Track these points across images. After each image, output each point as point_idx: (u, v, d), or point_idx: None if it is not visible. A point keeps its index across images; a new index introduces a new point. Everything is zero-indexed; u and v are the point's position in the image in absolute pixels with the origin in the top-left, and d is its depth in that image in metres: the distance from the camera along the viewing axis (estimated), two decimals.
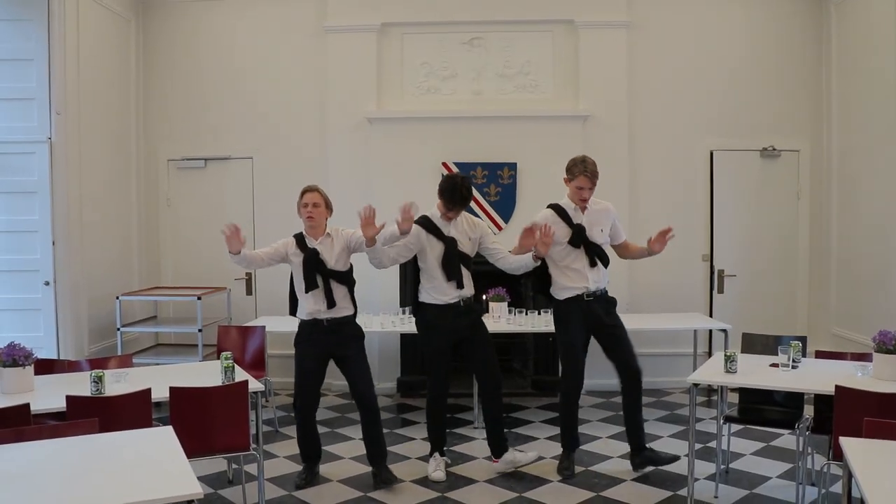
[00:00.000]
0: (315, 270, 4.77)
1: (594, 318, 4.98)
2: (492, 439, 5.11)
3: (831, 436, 3.89)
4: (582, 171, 4.87)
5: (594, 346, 5.12)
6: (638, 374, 5.03)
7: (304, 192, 4.87)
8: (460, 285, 4.91)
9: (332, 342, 4.86)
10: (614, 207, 5.16)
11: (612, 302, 5.10)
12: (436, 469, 5.00)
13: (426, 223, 4.95)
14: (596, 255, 4.95)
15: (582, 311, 4.97)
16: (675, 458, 4.99)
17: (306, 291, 4.80)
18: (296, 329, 4.97)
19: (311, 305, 4.81)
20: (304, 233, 4.90)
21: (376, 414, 4.96)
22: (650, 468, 5.05)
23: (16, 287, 6.17)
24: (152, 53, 7.53)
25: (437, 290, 4.93)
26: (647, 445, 5.10)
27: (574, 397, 5.10)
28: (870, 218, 6.56)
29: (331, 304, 4.77)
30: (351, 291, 4.91)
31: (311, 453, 5.01)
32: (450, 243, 4.91)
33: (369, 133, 7.19)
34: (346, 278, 4.88)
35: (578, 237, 4.93)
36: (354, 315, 4.96)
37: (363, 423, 4.99)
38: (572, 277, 4.97)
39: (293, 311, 4.98)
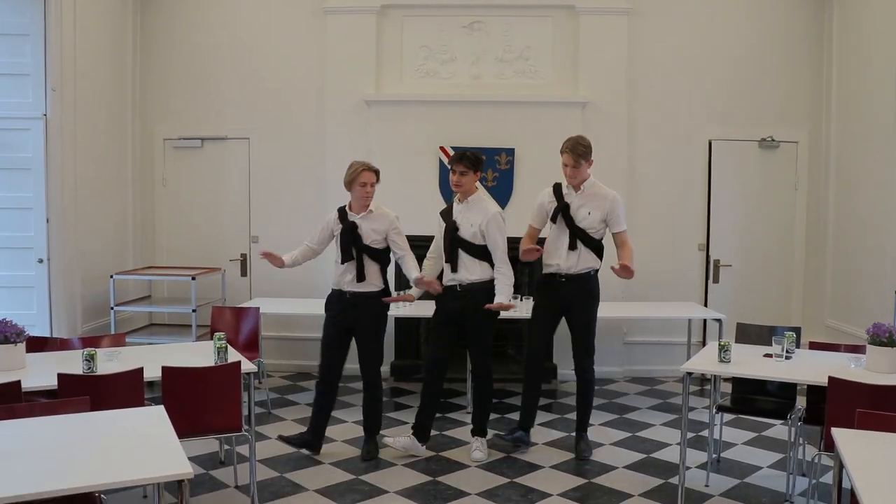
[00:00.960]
0: (351, 243, 4.91)
1: (563, 299, 5.05)
2: (473, 417, 5.26)
3: (823, 427, 3.90)
4: (566, 149, 4.95)
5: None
6: (582, 377, 5.11)
7: (363, 170, 4.94)
8: (454, 269, 4.98)
9: (352, 315, 5.01)
10: (618, 199, 5.03)
11: (589, 290, 5.06)
12: (398, 437, 5.14)
13: (445, 208, 5.21)
14: (577, 237, 4.97)
15: (552, 289, 5.08)
16: (581, 457, 5.06)
17: (342, 262, 4.95)
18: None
19: (341, 275, 4.98)
20: (346, 207, 5.03)
21: (375, 394, 5.11)
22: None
23: (9, 264, 6.13)
24: (150, 31, 7.46)
25: (445, 271, 5.09)
26: (582, 433, 5.19)
27: (528, 367, 5.23)
28: (866, 210, 6.56)
29: (360, 277, 4.92)
30: (383, 269, 5.07)
31: (314, 423, 5.11)
32: (448, 226, 5.03)
33: (367, 115, 7.15)
34: (379, 256, 5.02)
35: (556, 212, 5.01)
36: (381, 292, 5.06)
37: (363, 398, 5.17)
38: (551, 254, 5.07)
39: None
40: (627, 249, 4.96)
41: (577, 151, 4.89)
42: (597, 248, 5.03)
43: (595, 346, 5.15)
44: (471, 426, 5.25)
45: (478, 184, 5.13)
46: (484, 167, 6.90)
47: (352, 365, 5.16)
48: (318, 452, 5.12)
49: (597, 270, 5.08)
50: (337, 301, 5.04)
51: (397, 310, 6.30)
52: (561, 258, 5.00)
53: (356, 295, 4.97)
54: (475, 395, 5.24)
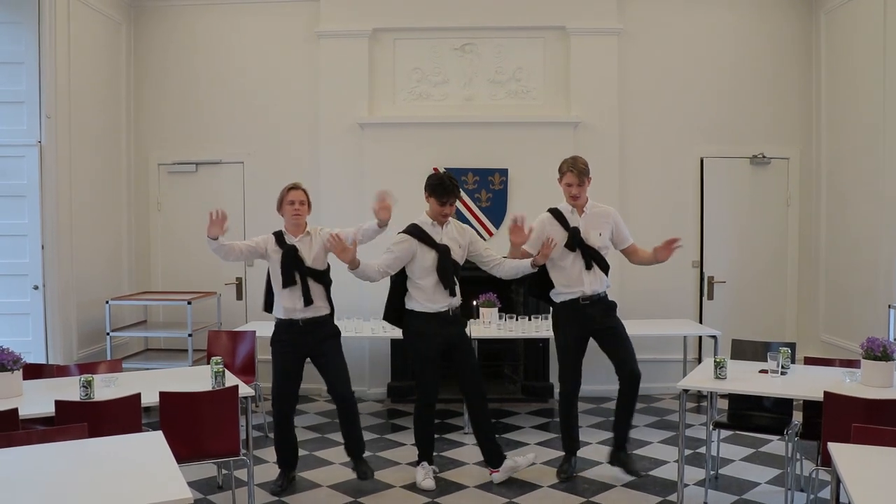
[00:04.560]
0: (293, 267, 4.78)
1: (590, 321, 4.97)
2: (486, 450, 5.05)
3: (820, 441, 3.90)
4: (569, 168, 4.91)
5: (592, 351, 5.09)
6: (635, 376, 5.00)
7: (289, 190, 4.88)
8: (452, 293, 4.88)
9: (309, 342, 4.87)
10: (616, 212, 5.10)
11: (611, 306, 5.07)
12: (425, 478, 4.96)
13: (417, 232, 4.88)
14: (593, 258, 4.92)
15: (578, 314, 4.98)
16: (638, 475, 5.00)
17: (284, 287, 4.79)
18: None
19: (287, 303, 4.81)
20: (283, 230, 4.91)
21: (353, 411, 4.99)
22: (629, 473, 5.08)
23: (5, 291, 6.13)
24: (143, 57, 7.51)
25: (427, 299, 4.86)
26: (626, 448, 5.10)
27: (567, 400, 5.10)
28: (858, 225, 6.61)
29: (307, 301, 4.78)
30: (328, 291, 4.93)
31: (289, 458, 4.97)
32: (443, 251, 4.84)
33: (361, 138, 7.19)
34: (323, 277, 4.89)
35: (573, 240, 4.92)
36: (331, 315, 4.97)
37: (340, 419, 5.02)
38: (569, 281, 4.97)
39: (268, 308, 5.00)
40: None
41: (580, 169, 4.88)
42: (607, 267, 5.01)
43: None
44: (477, 450, 5.12)
45: None
46: (478, 188, 7.03)
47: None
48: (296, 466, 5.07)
49: (608, 286, 5.08)
50: (287, 331, 4.84)
51: (393, 331, 6.30)
52: (583, 283, 4.93)
53: (309, 322, 4.83)
54: (481, 425, 5.00)
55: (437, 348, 4.92)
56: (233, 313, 7.37)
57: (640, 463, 5.31)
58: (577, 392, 5.12)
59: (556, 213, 5.01)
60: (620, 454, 5.07)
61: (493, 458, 5.03)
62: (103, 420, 3.70)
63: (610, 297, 5.11)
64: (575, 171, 4.88)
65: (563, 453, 5.27)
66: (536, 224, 5.02)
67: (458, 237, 4.95)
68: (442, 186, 4.83)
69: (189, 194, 7.54)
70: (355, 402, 5.02)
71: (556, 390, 6.94)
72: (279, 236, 4.89)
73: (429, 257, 4.84)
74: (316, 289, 4.84)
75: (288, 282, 4.78)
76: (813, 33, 7.31)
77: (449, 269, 4.85)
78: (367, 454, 5.14)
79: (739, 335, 5.69)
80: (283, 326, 4.89)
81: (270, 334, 6.35)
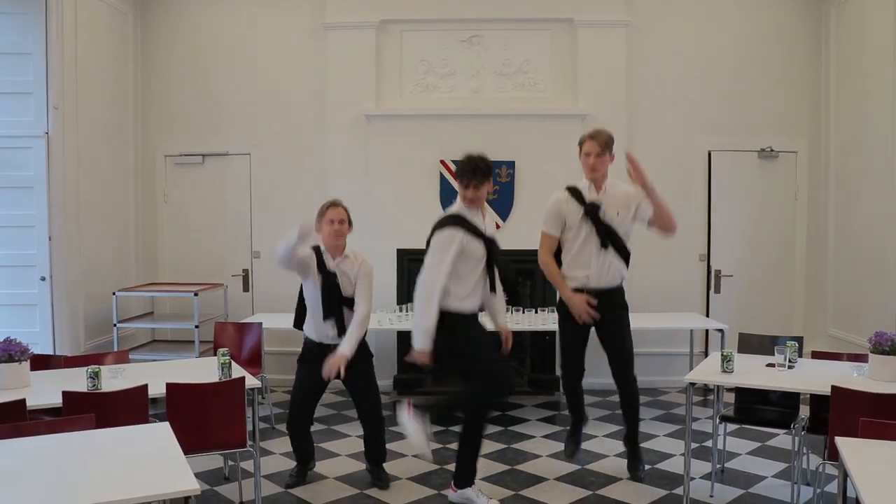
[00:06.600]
0: (332, 297, 4.60)
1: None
2: (457, 464, 4.49)
3: (827, 436, 3.89)
4: (589, 136, 4.63)
5: (597, 342, 5.01)
6: (628, 385, 4.81)
7: (328, 207, 4.62)
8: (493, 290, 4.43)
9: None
10: (640, 192, 4.62)
11: (620, 305, 4.80)
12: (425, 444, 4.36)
13: (462, 222, 4.21)
14: (609, 237, 4.60)
15: None
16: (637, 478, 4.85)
17: (324, 319, 4.62)
18: (291, 327, 4.93)
19: (322, 329, 4.67)
20: (322, 248, 4.66)
21: (380, 425, 4.88)
22: (647, 467, 5.06)
23: (12, 282, 6.15)
24: (150, 48, 7.51)
25: (472, 297, 4.30)
26: (636, 452, 4.99)
27: (570, 386, 5.02)
28: (866, 219, 6.58)
29: (341, 331, 4.61)
30: None
31: (305, 455, 4.95)
32: (490, 244, 4.29)
33: (367, 130, 7.17)
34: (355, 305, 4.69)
35: (589, 213, 4.59)
36: (364, 338, 4.76)
37: (365, 430, 4.90)
38: (577, 265, 4.68)
39: (298, 325, 4.84)
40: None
41: (601, 139, 4.57)
42: (626, 254, 4.69)
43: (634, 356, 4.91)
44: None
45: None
46: None
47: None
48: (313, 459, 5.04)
49: (624, 279, 4.78)
50: (318, 354, 4.60)
51: (401, 324, 6.32)
52: (589, 267, 4.62)
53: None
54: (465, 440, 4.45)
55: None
56: (239, 305, 7.38)
57: (647, 456, 5.27)
58: (580, 380, 4.99)
59: (573, 191, 4.68)
60: (632, 453, 4.99)
61: (459, 474, 4.45)
62: (110, 411, 3.71)
63: (624, 296, 4.86)
64: (595, 140, 4.58)
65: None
66: (550, 204, 4.71)
67: (490, 228, 4.43)
68: (466, 163, 4.19)
69: (196, 186, 7.54)
70: (383, 417, 4.89)
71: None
72: (319, 255, 4.63)
73: (479, 251, 4.24)
74: (349, 316, 4.64)
75: (329, 314, 4.60)
76: (822, 26, 7.27)
77: (497, 267, 4.38)
78: None
79: (746, 329, 5.68)
80: (313, 348, 4.71)
81: (277, 326, 6.41)
